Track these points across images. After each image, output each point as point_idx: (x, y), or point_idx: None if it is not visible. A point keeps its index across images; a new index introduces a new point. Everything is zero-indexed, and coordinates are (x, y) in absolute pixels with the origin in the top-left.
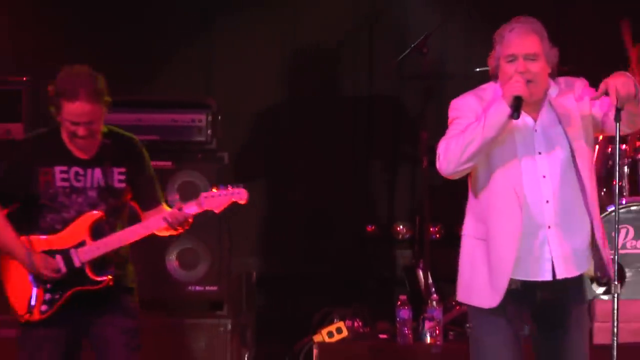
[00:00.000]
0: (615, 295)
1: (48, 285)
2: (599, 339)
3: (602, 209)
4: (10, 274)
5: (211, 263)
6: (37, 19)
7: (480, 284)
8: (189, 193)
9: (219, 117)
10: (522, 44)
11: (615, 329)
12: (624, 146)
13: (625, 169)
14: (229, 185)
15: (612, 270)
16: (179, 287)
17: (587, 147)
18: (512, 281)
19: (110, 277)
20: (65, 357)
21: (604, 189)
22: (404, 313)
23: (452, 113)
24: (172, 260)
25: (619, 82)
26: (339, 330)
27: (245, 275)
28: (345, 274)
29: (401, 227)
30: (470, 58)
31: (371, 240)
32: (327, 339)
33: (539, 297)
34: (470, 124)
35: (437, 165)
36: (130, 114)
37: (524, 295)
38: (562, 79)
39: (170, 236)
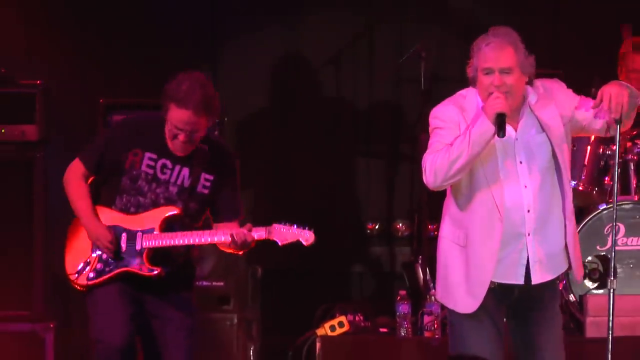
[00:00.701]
0: (611, 291)
1: (104, 256)
2: (591, 332)
3: (594, 207)
4: (76, 236)
5: (218, 259)
6: (51, 24)
7: (455, 288)
8: None
9: (225, 120)
10: (497, 59)
11: (611, 323)
12: (614, 147)
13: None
14: (294, 225)
15: (581, 271)
16: None
17: (566, 151)
18: (491, 282)
19: (160, 270)
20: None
21: (596, 189)
22: (404, 308)
23: (433, 122)
24: None
25: (613, 92)
26: (340, 324)
27: (250, 270)
28: (347, 270)
29: (400, 224)
30: (467, 62)
31: (372, 237)
32: (329, 333)
33: (515, 297)
34: (456, 137)
35: (424, 178)
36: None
37: (502, 294)
38: (539, 82)
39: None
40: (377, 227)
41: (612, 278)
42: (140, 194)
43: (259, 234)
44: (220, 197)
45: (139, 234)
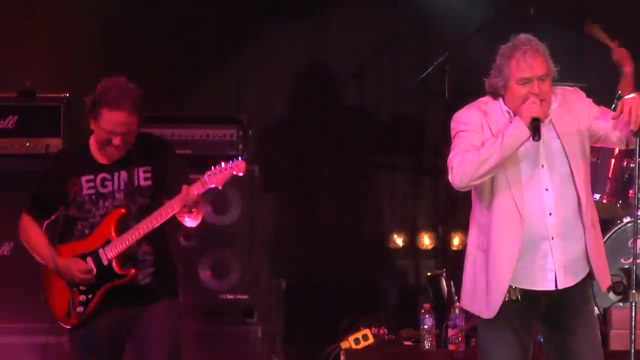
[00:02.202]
0: (633, 304)
1: (82, 288)
2: (615, 345)
3: (618, 220)
4: (50, 283)
5: (242, 273)
6: (75, 37)
7: (480, 294)
8: (222, 205)
9: (250, 132)
10: (534, 68)
11: (633, 336)
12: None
13: None
14: (222, 163)
15: (607, 282)
16: (211, 295)
17: (583, 162)
18: (512, 292)
19: (134, 270)
20: (113, 356)
21: (620, 201)
22: (428, 321)
23: (456, 126)
24: (204, 269)
25: (634, 104)
26: (365, 337)
27: (274, 284)
28: (371, 282)
29: (424, 237)
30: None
31: (396, 250)
32: (353, 346)
33: (543, 304)
34: (485, 140)
35: (450, 178)
36: (165, 129)
37: (528, 305)
38: (559, 90)
39: (203, 246)
40: (401, 239)
41: (634, 291)
42: (89, 215)
43: (196, 189)
44: (168, 180)
45: (100, 250)
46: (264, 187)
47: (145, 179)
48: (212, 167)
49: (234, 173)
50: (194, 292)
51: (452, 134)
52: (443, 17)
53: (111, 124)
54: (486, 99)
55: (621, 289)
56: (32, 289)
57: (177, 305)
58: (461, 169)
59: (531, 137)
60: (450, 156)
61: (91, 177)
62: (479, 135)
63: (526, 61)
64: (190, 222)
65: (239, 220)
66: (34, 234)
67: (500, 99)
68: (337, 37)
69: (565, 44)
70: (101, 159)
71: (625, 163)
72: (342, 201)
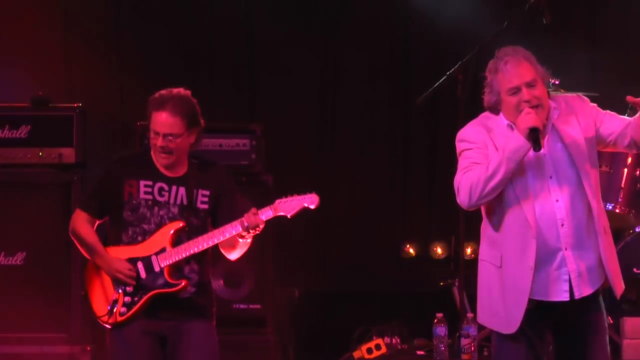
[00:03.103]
0: None
1: (128, 289)
2: (628, 355)
3: (631, 229)
4: (94, 280)
5: (255, 282)
6: (88, 47)
7: (497, 309)
8: None
9: (263, 142)
10: (520, 75)
11: None
12: None
13: None
14: (295, 194)
15: (621, 288)
16: (224, 305)
17: (592, 168)
18: (529, 301)
19: (186, 281)
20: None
21: (632, 211)
22: (441, 330)
23: (460, 145)
24: (217, 279)
25: None
26: (377, 347)
27: (287, 293)
28: (384, 292)
29: (437, 247)
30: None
31: (409, 259)
32: (366, 355)
33: (558, 314)
34: (489, 156)
35: (458, 198)
36: None
37: (542, 315)
38: (561, 98)
39: (215, 256)
40: (414, 249)
41: None
42: (143, 221)
43: (266, 214)
44: (220, 208)
45: (153, 257)
46: (277, 197)
47: (203, 202)
48: (284, 196)
49: (306, 205)
50: None
51: (458, 152)
52: (456, 28)
53: (154, 124)
54: (489, 113)
55: (634, 299)
56: (44, 299)
57: (214, 330)
58: (468, 188)
59: (532, 148)
60: (456, 177)
61: (150, 182)
62: (483, 152)
63: (509, 70)
64: (234, 254)
65: None
66: (84, 229)
67: (501, 114)
68: (350, 47)
69: (577, 53)
70: (162, 169)
71: (638, 172)
72: (356, 210)
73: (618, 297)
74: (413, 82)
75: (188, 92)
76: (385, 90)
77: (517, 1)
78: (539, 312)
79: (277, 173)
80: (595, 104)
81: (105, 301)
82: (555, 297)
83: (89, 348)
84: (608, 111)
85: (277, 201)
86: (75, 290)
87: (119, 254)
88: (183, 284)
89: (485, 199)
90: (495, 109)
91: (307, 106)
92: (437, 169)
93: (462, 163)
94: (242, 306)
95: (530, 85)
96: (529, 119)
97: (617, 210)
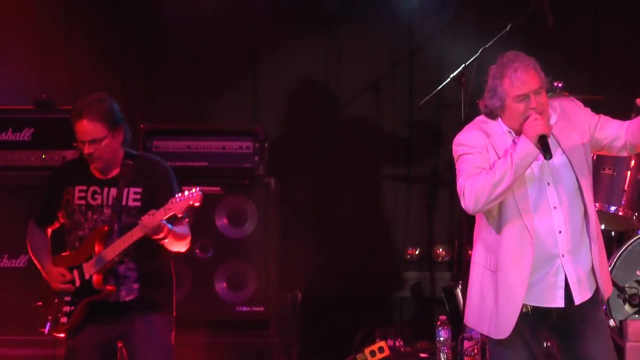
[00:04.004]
0: None
1: (67, 299)
2: (631, 357)
3: (634, 232)
4: (47, 291)
5: (258, 285)
6: (91, 50)
7: (488, 314)
8: (237, 218)
9: (266, 144)
10: (529, 82)
11: None
12: None
13: None
14: (185, 191)
15: (609, 290)
16: (227, 307)
17: (588, 173)
18: (523, 306)
19: (110, 287)
20: None
21: (636, 214)
22: (444, 333)
23: (459, 149)
24: (220, 281)
25: None
26: (380, 350)
27: (290, 296)
28: (387, 294)
29: (440, 249)
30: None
31: (412, 262)
32: (369, 358)
33: (554, 317)
34: (494, 161)
35: (463, 204)
36: (181, 142)
37: (539, 318)
38: (556, 103)
39: (219, 258)
40: (417, 251)
41: None
42: (79, 227)
43: (158, 214)
44: (156, 204)
45: (85, 264)
46: (279, 200)
47: (135, 199)
48: (177, 195)
49: (191, 203)
50: (209, 304)
51: (455, 156)
52: (459, 30)
53: (78, 134)
54: (485, 118)
55: (637, 301)
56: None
57: (166, 321)
58: (474, 193)
59: (542, 156)
60: (459, 182)
61: (84, 187)
62: (484, 156)
63: (519, 78)
64: (173, 248)
65: (255, 232)
66: (35, 240)
67: (499, 119)
68: (352, 50)
69: (580, 56)
70: (96, 173)
71: None
72: (358, 213)
73: (605, 300)
74: (415, 84)
75: (103, 94)
76: (389, 93)
77: (520, 5)
78: (535, 315)
79: (280, 176)
80: (588, 108)
81: (53, 312)
82: (551, 303)
83: None
84: (602, 115)
85: (171, 200)
86: None
87: (63, 262)
88: (106, 289)
89: (491, 204)
90: (494, 114)
91: (310, 109)
92: (440, 171)
93: (464, 167)
94: (245, 309)
95: (537, 92)
96: (537, 125)
97: (621, 213)
